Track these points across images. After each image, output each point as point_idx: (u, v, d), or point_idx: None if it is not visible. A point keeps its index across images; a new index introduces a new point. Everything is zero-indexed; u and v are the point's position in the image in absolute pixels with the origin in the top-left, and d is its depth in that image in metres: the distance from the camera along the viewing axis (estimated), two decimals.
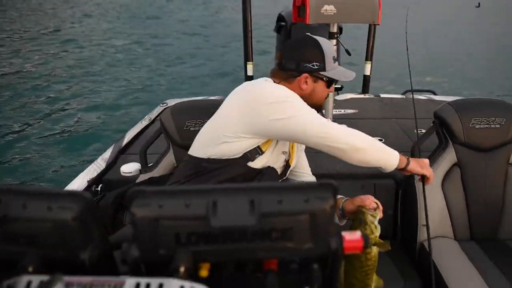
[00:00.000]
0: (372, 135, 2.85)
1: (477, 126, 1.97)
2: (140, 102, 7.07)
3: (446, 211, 1.97)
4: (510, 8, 20.81)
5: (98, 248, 0.66)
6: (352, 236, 0.67)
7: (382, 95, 3.74)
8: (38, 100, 7.09)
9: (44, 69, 9.02)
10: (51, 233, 0.63)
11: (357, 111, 3.39)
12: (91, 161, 2.31)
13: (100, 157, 2.33)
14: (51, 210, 0.62)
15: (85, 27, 14.33)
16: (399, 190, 2.20)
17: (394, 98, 3.76)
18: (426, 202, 1.60)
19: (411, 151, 2.09)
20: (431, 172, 1.46)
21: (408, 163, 1.42)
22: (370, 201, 1.36)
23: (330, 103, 2.86)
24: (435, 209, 1.95)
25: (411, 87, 2.21)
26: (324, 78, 1.47)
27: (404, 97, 3.89)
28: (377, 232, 1.22)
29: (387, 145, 2.38)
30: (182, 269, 0.63)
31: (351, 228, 1.24)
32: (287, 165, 1.56)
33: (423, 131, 2.92)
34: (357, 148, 1.34)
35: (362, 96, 3.86)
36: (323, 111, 2.97)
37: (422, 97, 3.88)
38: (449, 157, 2.01)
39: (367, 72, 3.96)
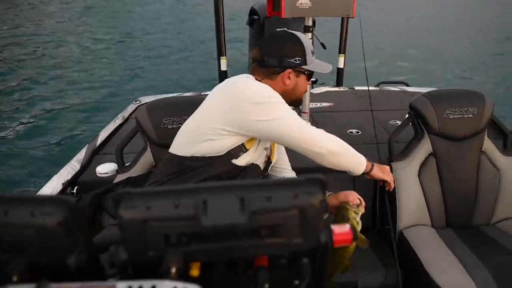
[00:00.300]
0: (349, 128, 2.92)
1: (451, 116, 2.03)
2: (112, 100, 6.90)
3: (423, 199, 2.02)
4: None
5: (84, 252, 0.65)
6: (341, 229, 0.69)
7: (356, 88, 3.80)
8: (3, 101, 6.85)
9: (11, 68, 8.72)
10: (35, 239, 0.61)
11: (333, 104, 3.43)
12: (64, 163, 2.25)
13: (74, 158, 2.27)
14: (34, 216, 0.61)
15: (51, 25, 13.90)
16: (378, 181, 2.25)
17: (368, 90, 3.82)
18: (398, 195, 1.65)
19: (388, 143, 2.14)
20: (391, 177, 1.57)
21: (372, 169, 1.50)
22: (353, 197, 1.40)
23: (306, 97, 2.88)
24: (412, 198, 2.01)
25: (367, 82, 2.26)
26: (305, 72, 1.51)
27: (378, 89, 3.96)
28: (359, 228, 1.26)
29: (364, 137, 2.42)
30: (173, 270, 0.62)
31: (334, 222, 1.27)
32: (268, 161, 1.57)
33: (398, 122, 3.00)
34: (334, 153, 1.41)
35: (337, 89, 3.90)
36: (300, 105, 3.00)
37: (395, 88, 3.96)
38: (424, 147, 2.07)
39: (341, 65, 4.01)
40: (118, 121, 2.80)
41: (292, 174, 1.75)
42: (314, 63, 1.52)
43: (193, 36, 12.25)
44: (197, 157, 1.38)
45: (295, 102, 1.57)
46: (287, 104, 1.42)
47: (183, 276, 0.64)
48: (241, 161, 1.40)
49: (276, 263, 0.72)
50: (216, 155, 1.37)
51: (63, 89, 7.52)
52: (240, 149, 1.39)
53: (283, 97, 1.49)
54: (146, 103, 2.88)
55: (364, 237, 1.28)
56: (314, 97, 3.44)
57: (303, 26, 2.52)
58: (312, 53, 1.52)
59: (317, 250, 0.69)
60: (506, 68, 9.66)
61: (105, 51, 10.66)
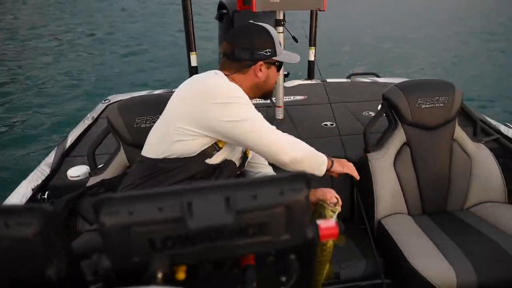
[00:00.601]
0: (323, 120, 2.94)
1: (423, 106, 2.08)
2: (80, 100, 6.72)
3: (399, 188, 2.07)
4: None
5: (63, 261, 0.63)
6: (327, 224, 0.69)
7: (328, 80, 3.84)
8: None
9: None
10: (10, 252, 0.59)
11: (306, 97, 3.46)
12: (32, 168, 2.17)
13: (43, 162, 2.20)
14: (8, 227, 0.58)
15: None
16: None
17: (340, 82, 3.87)
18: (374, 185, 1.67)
19: (363, 134, 2.18)
20: (352, 169, 1.56)
21: (332, 165, 1.51)
22: (331, 195, 1.40)
23: (280, 91, 2.90)
24: (388, 188, 2.05)
25: (321, 75, 2.28)
26: (276, 63, 1.53)
27: (349, 80, 4.02)
28: None
29: (340, 129, 2.45)
30: (159, 275, 0.61)
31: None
32: (245, 157, 1.57)
33: (371, 113, 3.05)
34: (297, 161, 1.40)
35: (309, 82, 3.94)
36: (274, 99, 3.00)
37: (366, 80, 4.03)
38: (399, 137, 2.12)
39: (311, 58, 4.05)
40: (87, 121, 2.73)
41: (269, 169, 1.74)
42: (283, 54, 1.54)
43: (164, 32, 12.07)
44: (169, 158, 1.36)
45: (266, 94, 1.59)
46: (253, 106, 1.40)
47: (168, 280, 0.63)
48: (215, 159, 1.40)
49: (263, 260, 0.72)
50: (189, 156, 1.35)
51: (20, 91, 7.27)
52: (214, 148, 1.38)
53: (255, 90, 1.53)
54: (116, 102, 2.81)
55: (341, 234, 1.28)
56: (287, 91, 3.46)
57: (273, 20, 2.52)
58: (280, 44, 1.54)
59: (304, 245, 0.69)
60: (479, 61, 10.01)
61: (69, 47, 10.36)
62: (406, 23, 14.40)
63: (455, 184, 2.13)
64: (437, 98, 2.09)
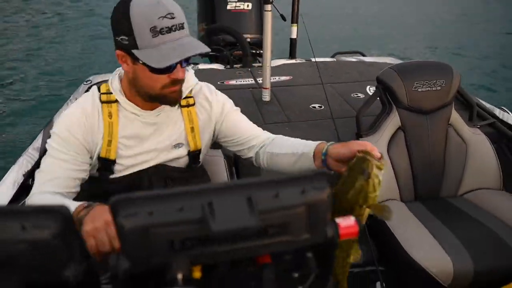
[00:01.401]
0: (311, 102, 2.95)
1: (419, 90, 2.11)
2: (59, 81, 6.58)
3: (392, 174, 2.11)
4: None
5: (81, 263, 0.63)
6: (347, 222, 0.71)
7: (313, 59, 3.85)
8: None
9: None
10: (27, 255, 0.58)
11: (292, 77, 3.46)
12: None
13: (30, 146, 2.16)
14: (25, 230, 0.58)
15: None
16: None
17: (325, 61, 3.88)
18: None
19: (356, 118, 2.20)
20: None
21: None
22: (372, 147, 1.03)
23: (267, 72, 2.89)
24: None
25: (313, 55, 2.28)
26: (140, 60, 1.15)
27: (335, 60, 4.03)
28: (378, 191, 0.96)
29: (328, 112, 2.46)
30: (179, 276, 0.62)
31: (344, 182, 0.97)
32: (193, 153, 1.48)
33: (359, 94, 3.08)
34: None
35: (294, 61, 3.93)
36: (259, 79, 2.98)
37: (352, 59, 4.04)
38: (393, 121, 2.14)
39: (294, 35, 4.04)
40: (71, 103, 2.68)
41: (263, 135, 1.50)
42: (152, 50, 1.11)
43: None
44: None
45: (157, 99, 1.28)
46: (60, 137, 1.27)
47: (187, 280, 0.64)
48: (123, 171, 1.38)
49: (279, 258, 0.74)
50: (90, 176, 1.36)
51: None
52: (106, 164, 1.36)
53: (134, 89, 1.29)
54: (98, 82, 2.76)
55: (380, 205, 0.99)
56: (272, 71, 3.47)
57: None
58: (160, 31, 1.10)
59: (322, 244, 0.71)
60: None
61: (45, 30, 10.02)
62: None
63: (449, 170, 2.18)
64: (434, 81, 2.11)
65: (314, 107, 2.88)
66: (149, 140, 1.38)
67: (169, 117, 1.40)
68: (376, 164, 0.96)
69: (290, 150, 1.34)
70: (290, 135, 1.44)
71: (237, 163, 2.13)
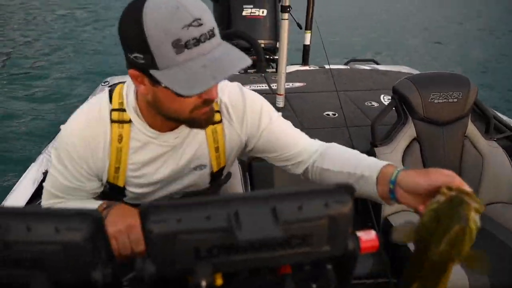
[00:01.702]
0: (325, 110, 2.97)
1: (435, 101, 2.12)
2: (77, 84, 6.76)
3: None
4: None
5: (109, 265, 0.66)
6: (367, 236, 0.73)
7: (327, 66, 3.87)
8: None
9: None
10: (59, 256, 0.62)
11: (305, 84, 3.48)
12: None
13: (50, 144, 2.23)
14: (59, 232, 0.61)
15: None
16: None
17: (339, 69, 3.90)
18: None
19: (371, 127, 2.21)
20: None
21: None
22: (460, 181, 0.87)
23: (282, 78, 2.91)
24: None
25: (328, 61, 2.30)
26: (161, 83, 0.91)
27: (348, 67, 4.05)
28: (474, 235, 0.80)
29: (342, 120, 2.48)
30: (204, 283, 0.65)
31: (427, 228, 0.82)
32: (216, 173, 1.31)
33: (374, 103, 3.09)
34: None
35: (307, 68, 3.96)
36: (273, 85, 3.00)
37: (365, 67, 4.06)
38: (408, 132, 2.15)
39: (307, 42, 4.07)
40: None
41: (310, 148, 1.28)
42: (174, 70, 0.88)
43: None
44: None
45: (185, 123, 1.09)
46: (64, 153, 1.11)
47: (209, 286, 0.67)
48: (135, 199, 1.25)
49: (299, 269, 0.76)
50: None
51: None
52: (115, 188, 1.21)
53: (154, 110, 1.06)
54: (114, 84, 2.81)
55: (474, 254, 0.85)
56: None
57: (278, 5, 2.53)
58: (183, 46, 0.86)
59: (343, 257, 0.73)
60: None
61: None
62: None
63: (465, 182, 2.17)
64: (451, 93, 2.12)
65: (328, 114, 2.90)
66: (164, 165, 1.19)
67: (190, 137, 1.19)
68: (475, 207, 0.80)
69: (346, 168, 1.13)
70: None
71: (251, 169, 2.15)
